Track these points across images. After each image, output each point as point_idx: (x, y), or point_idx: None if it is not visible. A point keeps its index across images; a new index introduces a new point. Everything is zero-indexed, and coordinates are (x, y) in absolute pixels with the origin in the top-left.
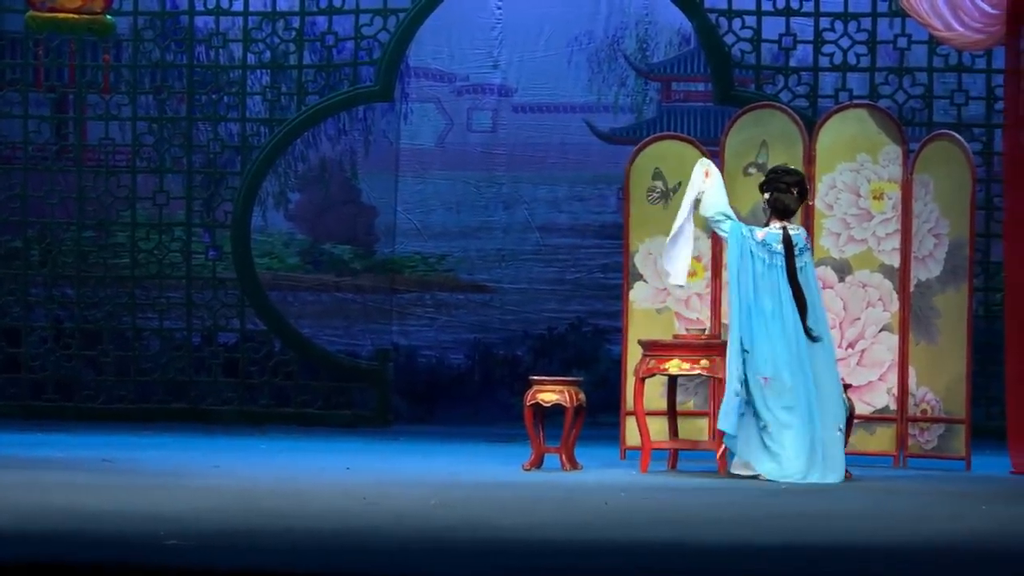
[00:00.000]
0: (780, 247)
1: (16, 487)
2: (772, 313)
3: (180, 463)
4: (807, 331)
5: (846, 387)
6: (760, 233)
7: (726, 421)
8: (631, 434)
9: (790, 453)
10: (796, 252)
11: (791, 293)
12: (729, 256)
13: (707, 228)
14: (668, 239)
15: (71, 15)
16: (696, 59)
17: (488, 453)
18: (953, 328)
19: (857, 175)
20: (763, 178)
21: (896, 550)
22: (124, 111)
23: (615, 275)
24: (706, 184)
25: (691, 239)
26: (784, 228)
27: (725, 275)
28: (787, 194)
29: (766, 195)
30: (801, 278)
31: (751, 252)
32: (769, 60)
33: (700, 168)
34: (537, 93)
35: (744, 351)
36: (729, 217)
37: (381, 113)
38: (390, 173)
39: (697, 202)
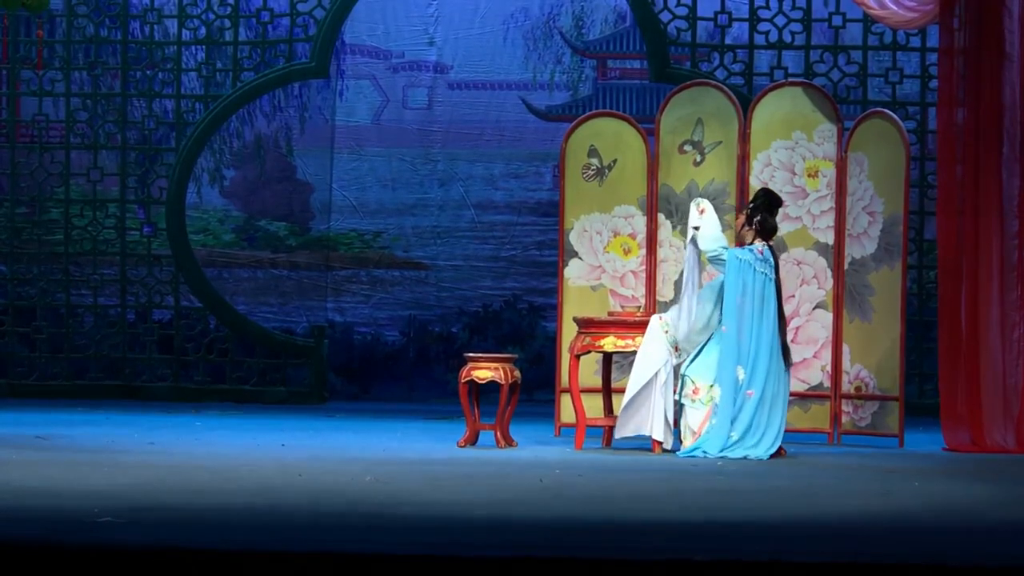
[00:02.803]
0: (773, 263)
1: None
2: (767, 319)
3: (114, 440)
4: (785, 351)
5: None
6: (759, 249)
7: (714, 441)
8: (566, 411)
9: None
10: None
11: (776, 308)
12: (729, 281)
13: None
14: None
15: None
16: (632, 36)
17: (423, 430)
18: (887, 306)
19: (792, 153)
20: (756, 200)
21: (826, 526)
22: (58, 87)
23: (550, 252)
24: (701, 220)
25: (702, 308)
26: (769, 246)
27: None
28: (773, 218)
29: (758, 217)
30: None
31: (753, 269)
32: (705, 38)
33: (695, 206)
34: (473, 70)
35: (739, 364)
36: (726, 248)
37: (316, 90)
38: (325, 150)
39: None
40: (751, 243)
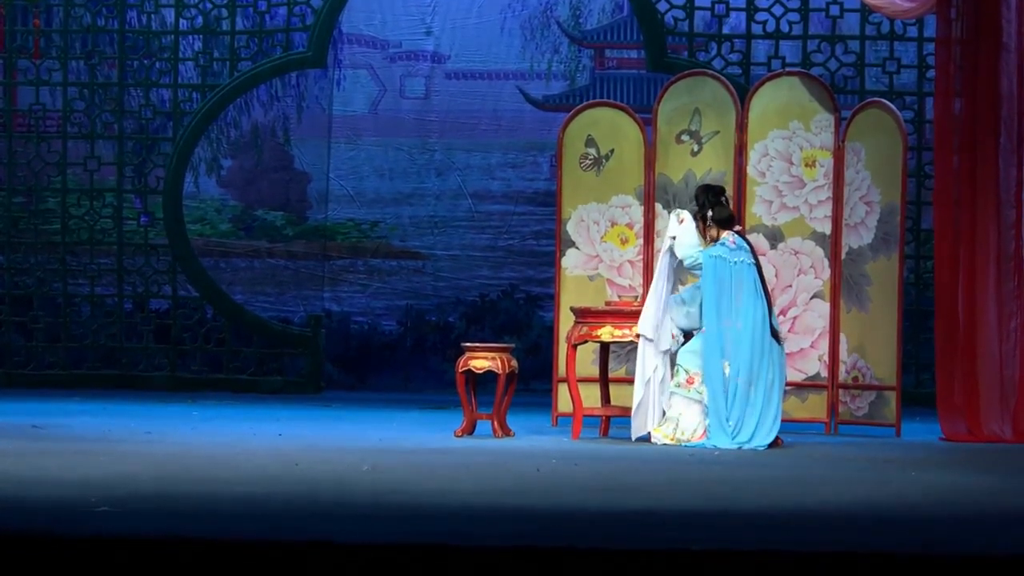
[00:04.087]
0: (748, 247)
1: None
2: (747, 307)
3: (111, 430)
4: (774, 332)
5: None
6: (731, 241)
7: (719, 439)
8: (563, 401)
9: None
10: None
11: (762, 290)
12: (706, 281)
13: (673, 265)
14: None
15: None
16: (629, 26)
17: (420, 419)
18: (884, 295)
19: (789, 142)
20: (694, 204)
21: (823, 515)
22: (55, 76)
23: (547, 242)
24: (680, 229)
25: (663, 306)
26: (739, 233)
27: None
28: (723, 206)
29: (709, 213)
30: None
31: (729, 262)
32: (702, 27)
33: (675, 216)
34: (470, 60)
35: (724, 360)
36: (701, 251)
37: (314, 79)
38: (323, 139)
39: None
40: (719, 238)
